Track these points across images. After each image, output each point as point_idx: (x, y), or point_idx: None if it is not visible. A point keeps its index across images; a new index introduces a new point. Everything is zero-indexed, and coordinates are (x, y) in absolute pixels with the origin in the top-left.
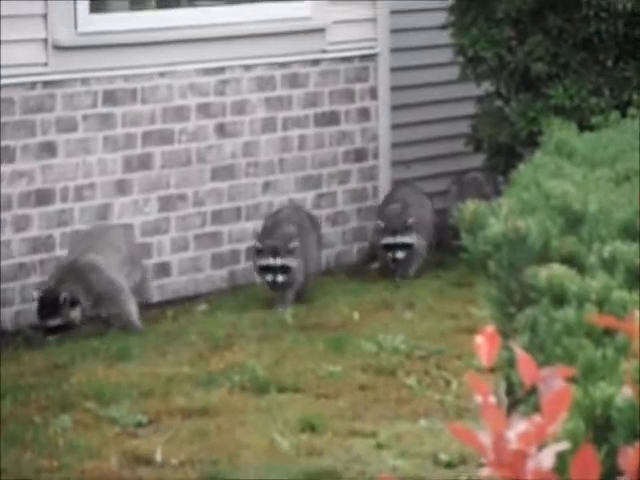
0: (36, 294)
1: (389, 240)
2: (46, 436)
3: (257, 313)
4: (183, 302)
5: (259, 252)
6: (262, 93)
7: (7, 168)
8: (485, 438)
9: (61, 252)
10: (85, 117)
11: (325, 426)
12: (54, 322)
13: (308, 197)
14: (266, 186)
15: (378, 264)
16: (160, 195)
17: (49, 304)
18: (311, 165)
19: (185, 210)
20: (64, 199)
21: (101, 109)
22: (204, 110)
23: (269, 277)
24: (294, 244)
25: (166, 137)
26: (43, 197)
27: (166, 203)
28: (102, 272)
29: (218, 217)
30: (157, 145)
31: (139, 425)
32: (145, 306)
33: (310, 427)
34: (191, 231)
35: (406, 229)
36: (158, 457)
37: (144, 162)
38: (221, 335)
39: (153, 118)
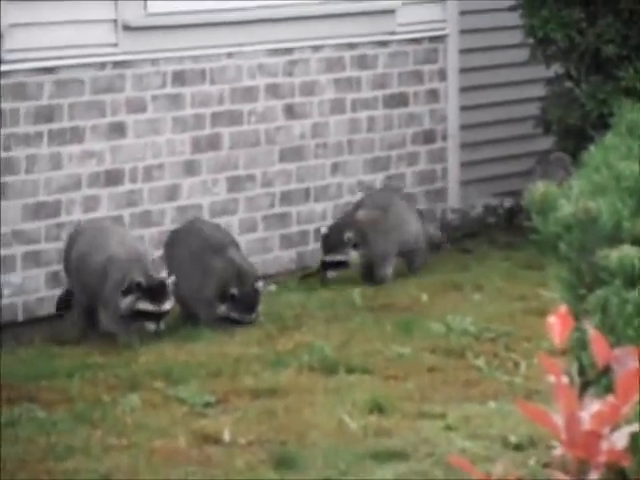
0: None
1: (325, 258)
2: (115, 415)
3: (325, 294)
4: None
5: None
6: (331, 74)
7: (77, 148)
8: (558, 418)
9: (131, 231)
10: (154, 97)
11: (393, 407)
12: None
13: (377, 178)
14: (335, 167)
15: (449, 245)
16: (229, 176)
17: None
18: (380, 147)
19: (254, 191)
20: (133, 179)
21: (170, 90)
22: (273, 91)
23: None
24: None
25: (235, 118)
26: (112, 177)
27: (235, 184)
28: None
29: (287, 198)
30: (226, 126)
31: (207, 405)
32: None
33: (378, 408)
34: (260, 212)
35: (343, 245)
36: (226, 437)
37: (213, 143)
38: (289, 316)
39: (222, 99)
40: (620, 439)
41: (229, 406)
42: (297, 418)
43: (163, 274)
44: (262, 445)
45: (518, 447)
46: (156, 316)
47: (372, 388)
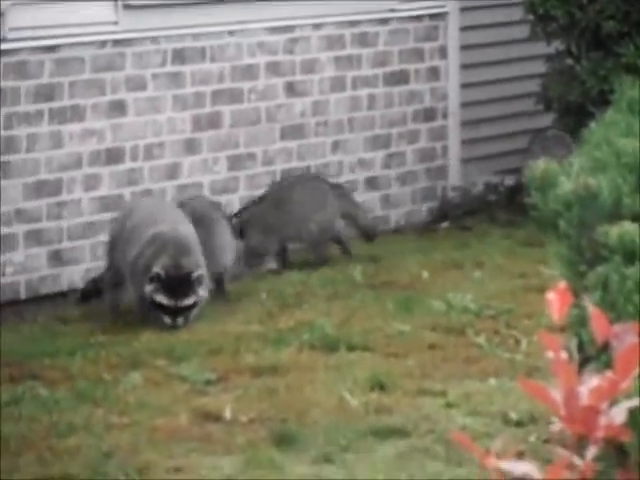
0: None
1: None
2: (116, 393)
3: (326, 272)
4: None
5: None
6: (331, 52)
7: (77, 127)
8: (556, 394)
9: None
10: (154, 76)
11: (394, 385)
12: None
13: (377, 156)
14: (335, 145)
15: (448, 223)
16: (229, 154)
17: None
18: (380, 124)
19: (254, 169)
20: (134, 158)
21: (170, 68)
22: (273, 69)
23: None
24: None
25: (235, 96)
26: (113, 156)
27: (235, 162)
28: None
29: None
30: (226, 104)
31: (208, 383)
32: None
33: (379, 386)
34: (260, 190)
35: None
36: (227, 414)
37: (213, 121)
38: (290, 293)
39: (222, 77)
40: (619, 414)
41: (230, 384)
42: (298, 396)
43: (193, 265)
44: (263, 423)
45: (519, 424)
46: (173, 311)
47: (373, 365)
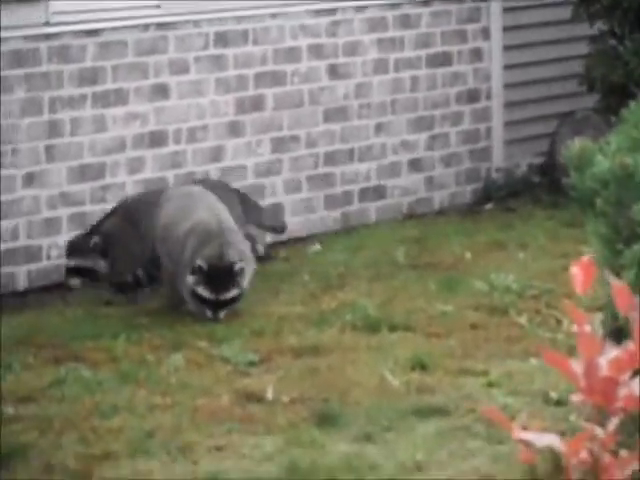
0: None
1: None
2: (159, 374)
3: (369, 252)
4: (296, 243)
5: None
6: (374, 34)
7: (121, 110)
8: (577, 366)
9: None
10: (197, 59)
11: (436, 364)
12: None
13: (421, 139)
14: (378, 127)
15: (492, 205)
16: (272, 136)
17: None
18: (423, 106)
19: (298, 151)
20: (177, 141)
21: (213, 51)
22: (316, 51)
23: None
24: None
25: (278, 78)
26: (156, 139)
27: (279, 144)
28: None
29: (331, 158)
30: (269, 86)
31: (251, 364)
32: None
33: (421, 365)
34: (304, 172)
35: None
36: (269, 395)
37: (256, 103)
38: (333, 275)
39: (265, 59)
40: (638, 386)
41: (272, 365)
42: (339, 376)
43: (236, 256)
44: (304, 403)
45: (559, 403)
46: (214, 304)
47: (414, 345)
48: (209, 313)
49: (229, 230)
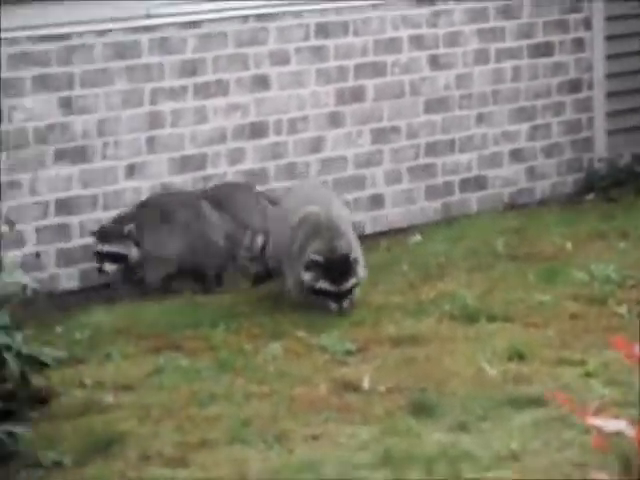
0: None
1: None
2: (256, 363)
3: (469, 243)
4: (397, 234)
5: None
6: (475, 24)
7: (221, 101)
8: None
9: (276, 184)
10: (298, 50)
11: (533, 354)
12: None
13: (522, 129)
14: (479, 118)
15: (594, 195)
16: (373, 127)
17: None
18: (525, 97)
19: (398, 142)
20: (278, 132)
21: (314, 42)
22: (416, 42)
23: None
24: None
25: (379, 69)
26: (257, 130)
27: (379, 135)
28: None
29: (432, 149)
30: (370, 77)
31: (348, 353)
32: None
33: (518, 355)
34: (404, 163)
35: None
36: (366, 384)
37: (357, 94)
38: (433, 265)
39: (365, 50)
40: None
41: (370, 354)
42: (437, 366)
43: (347, 247)
44: (401, 392)
45: None
46: (336, 295)
47: (512, 336)
48: (333, 306)
49: (339, 222)
